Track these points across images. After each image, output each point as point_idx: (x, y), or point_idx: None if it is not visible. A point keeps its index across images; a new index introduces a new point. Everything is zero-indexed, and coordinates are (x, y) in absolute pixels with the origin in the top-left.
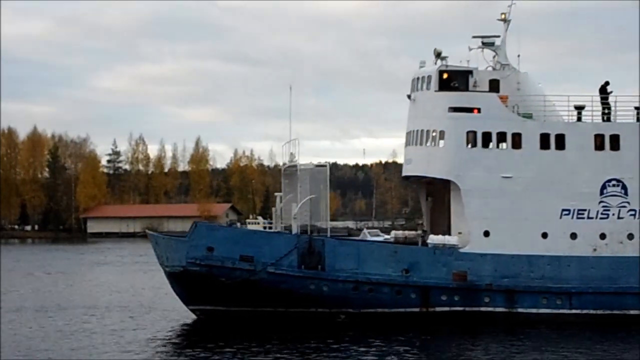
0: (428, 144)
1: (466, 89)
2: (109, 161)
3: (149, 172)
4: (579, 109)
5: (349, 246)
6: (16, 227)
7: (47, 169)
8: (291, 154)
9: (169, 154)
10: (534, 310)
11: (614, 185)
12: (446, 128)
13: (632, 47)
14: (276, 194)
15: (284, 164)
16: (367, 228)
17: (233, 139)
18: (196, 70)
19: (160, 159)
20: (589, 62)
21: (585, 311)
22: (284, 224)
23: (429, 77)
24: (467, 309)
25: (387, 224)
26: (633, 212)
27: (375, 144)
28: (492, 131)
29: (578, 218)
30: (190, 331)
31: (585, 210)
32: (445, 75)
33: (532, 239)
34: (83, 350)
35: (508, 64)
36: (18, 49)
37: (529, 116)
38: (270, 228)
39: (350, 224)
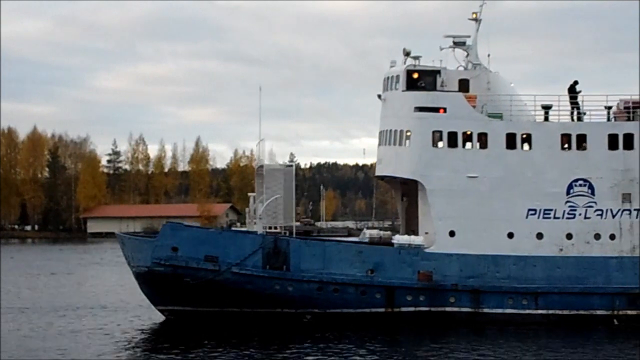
0: (396, 143)
1: (434, 89)
2: (109, 161)
3: (149, 172)
4: (546, 108)
5: (314, 246)
6: (16, 227)
7: (47, 169)
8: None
9: (169, 154)
10: (499, 310)
11: (580, 185)
12: (412, 128)
13: (631, 47)
14: (249, 194)
15: (257, 165)
16: (368, 228)
17: (232, 139)
18: (195, 70)
19: (160, 159)
20: (588, 62)
21: (551, 311)
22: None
23: (397, 76)
24: (433, 309)
25: (387, 223)
26: (600, 212)
27: (375, 144)
28: (457, 131)
29: (544, 218)
30: (157, 332)
31: (551, 210)
32: (412, 75)
33: (498, 239)
34: (51, 352)
35: (479, 63)
36: (16, 48)
37: (498, 116)
38: (271, 228)
39: (350, 224)
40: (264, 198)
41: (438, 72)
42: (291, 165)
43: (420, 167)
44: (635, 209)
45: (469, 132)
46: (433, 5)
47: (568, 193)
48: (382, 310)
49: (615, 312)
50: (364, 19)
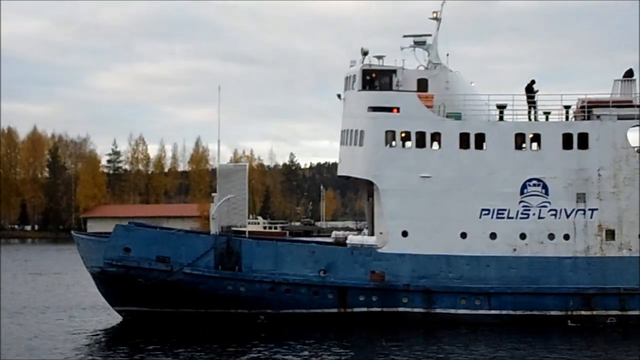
0: (353, 143)
1: (390, 89)
2: (109, 161)
3: (149, 172)
4: (501, 108)
5: (267, 247)
6: (16, 227)
7: (47, 169)
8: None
9: (169, 154)
10: (452, 311)
11: (534, 185)
12: (366, 128)
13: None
14: (213, 194)
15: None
16: (367, 228)
17: (231, 139)
18: (193, 69)
19: (160, 159)
20: (587, 62)
21: (504, 312)
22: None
23: (354, 76)
24: (385, 309)
25: None
26: (554, 212)
27: None
28: (411, 131)
29: (498, 218)
30: (112, 333)
31: (505, 210)
32: (368, 75)
33: (451, 239)
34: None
35: (440, 63)
36: (15, 48)
37: (457, 115)
38: (270, 228)
39: (350, 224)
40: (217, 198)
41: (394, 71)
42: (244, 165)
43: (373, 167)
44: (589, 209)
45: (422, 132)
46: (430, 5)
47: (522, 193)
48: (335, 310)
49: (569, 313)
50: (362, 19)
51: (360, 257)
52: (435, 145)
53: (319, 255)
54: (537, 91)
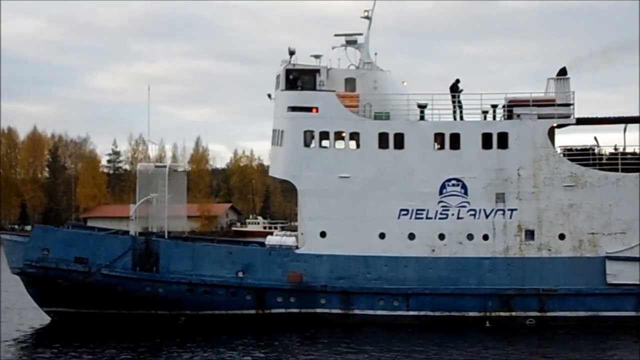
0: (276, 143)
1: (313, 88)
2: (109, 161)
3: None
4: (422, 107)
5: (184, 247)
6: (16, 227)
7: (47, 169)
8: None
9: (169, 154)
10: (370, 312)
11: (453, 185)
12: (285, 128)
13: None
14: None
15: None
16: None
17: (231, 139)
18: (190, 69)
19: (160, 159)
20: (588, 62)
21: (422, 313)
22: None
23: (279, 76)
24: (303, 310)
25: None
26: (473, 212)
27: None
28: (329, 130)
29: (416, 218)
30: (36, 335)
31: (424, 210)
32: (291, 75)
33: (370, 240)
34: None
35: (371, 62)
36: (12, 48)
37: (385, 115)
38: (270, 228)
39: None
40: (137, 199)
41: (317, 71)
42: (164, 167)
43: (292, 168)
44: (509, 209)
45: (341, 132)
46: (427, 4)
47: (441, 193)
48: (253, 312)
49: (488, 314)
50: (360, 18)
51: (278, 258)
52: (355, 145)
53: (237, 256)
54: (461, 90)
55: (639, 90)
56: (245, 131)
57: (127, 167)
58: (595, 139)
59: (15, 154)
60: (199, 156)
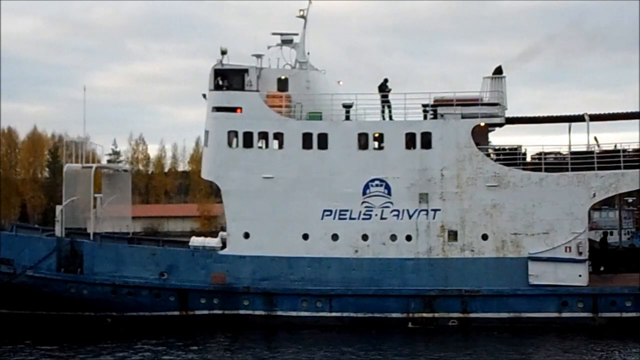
0: (205, 144)
1: (241, 88)
2: (109, 161)
3: (149, 172)
4: (347, 107)
5: (108, 249)
6: None
7: (47, 169)
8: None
9: (169, 154)
10: (294, 313)
11: (377, 185)
12: (210, 128)
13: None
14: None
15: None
16: None
17: None
18: (188, 68)
19: (160, 159)
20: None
21: (345, 314)
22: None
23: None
24: (227, 312)
25: None
26: (396, 213)
27: None
28: (253, 131)
29: (340, 219)
30: None
31: (347, 210)
32: (219, 75)
33: (293, 241)
34: None
35: (306, 61)
36: (10, 47)
37: (317, 116)
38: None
39: None
40: (64, 200)
41: (245, 71)
42: (90, 167)
43: (215, 168)
44: (432, 210)
45: (264, 132)
46: (425, 4)
47: (364, 193)
48: (177, 313)
49: (410, 315)
50: (357, 18)
51: (201, 259)
52: (278, 145)
53: (160, 257)
54: (389, 90)
55: (639, 90)
56: None
57: (127, 167)
58: (595, 138)
59: (15, 154)
60: (199, 156)
